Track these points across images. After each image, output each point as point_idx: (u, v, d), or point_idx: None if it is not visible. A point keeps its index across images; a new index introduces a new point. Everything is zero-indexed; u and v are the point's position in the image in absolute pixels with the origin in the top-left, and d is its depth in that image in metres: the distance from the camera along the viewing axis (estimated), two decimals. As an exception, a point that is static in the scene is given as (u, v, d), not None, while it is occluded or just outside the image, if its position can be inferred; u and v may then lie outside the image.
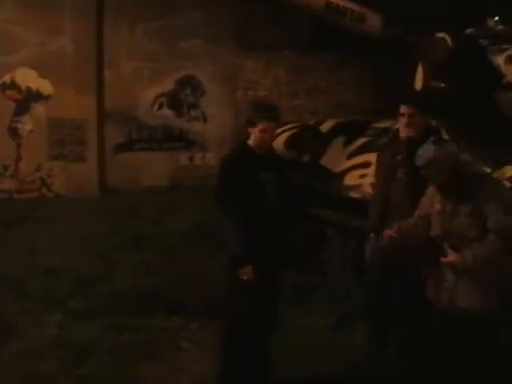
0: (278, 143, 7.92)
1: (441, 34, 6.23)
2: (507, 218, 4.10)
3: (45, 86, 11.60)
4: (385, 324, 5.49)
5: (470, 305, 4.20)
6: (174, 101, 12.79)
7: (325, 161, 7.28)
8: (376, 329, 5.51)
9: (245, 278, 4.60)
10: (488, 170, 5.65)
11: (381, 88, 12.15)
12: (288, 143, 7.72)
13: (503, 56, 6.16)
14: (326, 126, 8.05)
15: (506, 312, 4.39)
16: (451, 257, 4.19)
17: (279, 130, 8.05)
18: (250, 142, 4.80)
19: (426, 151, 4.21)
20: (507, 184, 5.37)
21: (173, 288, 6.87)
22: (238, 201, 4.66)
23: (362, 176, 6.61)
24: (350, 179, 6.90)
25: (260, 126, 4.69)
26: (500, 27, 7.00)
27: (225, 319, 4.92)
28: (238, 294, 4.75)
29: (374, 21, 5.95)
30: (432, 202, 4.41)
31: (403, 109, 5.10)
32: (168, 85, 12.77)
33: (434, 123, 5.47)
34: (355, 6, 5.98)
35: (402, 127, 5.14)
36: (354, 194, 6.69)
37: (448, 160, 4.19)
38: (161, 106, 12.75)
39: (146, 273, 7.46)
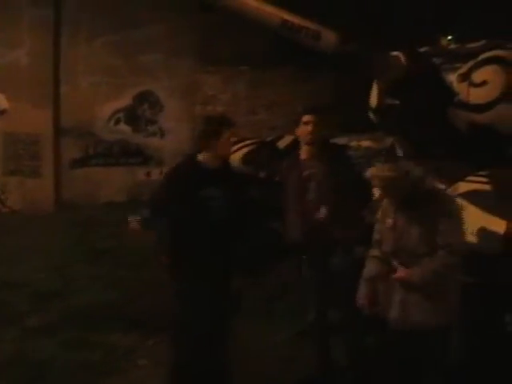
0: (236, 159, 7.97)
1: (395, 53, 6.34)
2: (457, 235, 4.20)
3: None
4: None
5: (421, 319, 4.26)
6: (131, 116, 12.75)
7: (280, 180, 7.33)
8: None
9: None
10: (441, 186, 5.77)
11: (341, 103, 12.27)
12: (245, 159, 7.77)
13: (455, 74, 6.28)
14: (283, 142, 8.11)
15: (455, 326, 4.48)
16: (401, 273, 4.25)
17: (236, 146, 8.12)
18: (201, 156, 4.83)
19: (379, 170, 4.28)
20: (460, 200, 5.49)
21: (131, 303, 6.84)
22: (169, 213, 4.75)
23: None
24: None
25: (222, 139, 4.74)
26: (453, 46, 7.14)
27: (172, 331, 4.94)
28: (183, 305, 4.79)
29: (329, 38, 6.04)
30: (384, 216, 4.47)
31: (307, 118, 5.18)
32: (126, 100, 12.72)
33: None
34: (310, 24, 6.06)
35: (304, 136, 5.21)
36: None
37: (401, 177, 4.26)
38: (118, 122, 12.70)
39: (104, 288, 7.42)
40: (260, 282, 6.89)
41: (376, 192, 6.17)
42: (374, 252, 4.56)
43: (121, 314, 6.56)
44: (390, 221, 4.40)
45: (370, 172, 4.33)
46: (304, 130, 5.22)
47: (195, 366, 4.79)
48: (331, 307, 5.31)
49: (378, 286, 4.49)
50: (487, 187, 5.52)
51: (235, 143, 8.20)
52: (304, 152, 5.30)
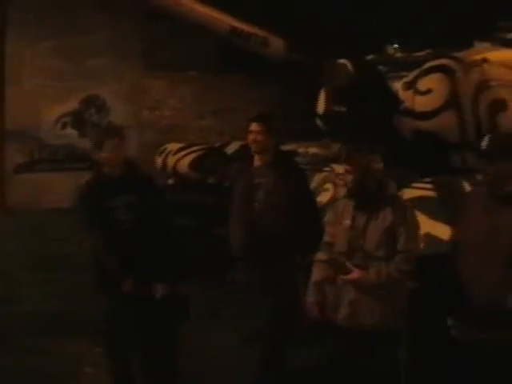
0: (183, 165, 7.96)
1: (342, 60, 6.41)
2: (413, 242, 4.29)
3: None
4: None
5: (369, 321, 4.32)
6: (78, 120, 12.64)
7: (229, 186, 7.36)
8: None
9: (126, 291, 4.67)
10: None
11: (289, 110, 12.36)
12: (193, 165, 7.76)
13: (401, 82, 6.38)
14: (231, 148, 8.13)
15: (404, 329, 4.55)
16: (356, 274, 4.30)
17: (184, 152, 8.11)
18: (103, 167, 4.90)
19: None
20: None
21: (79, 310, 6.75)
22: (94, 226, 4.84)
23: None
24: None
25: (107, 143, 4.80)
26: (399, 54, 7.26)
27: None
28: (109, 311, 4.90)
29: (277, 45, 6.08)
30: (340, 217, 4.52)
31: (253, 126, 5.25)
32: (72, 104, 12.61)
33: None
34: (259, 31, 6.10)
35: (251, 144, 5.28)
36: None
37: (374, 170, 4.34)
38: (64, 126, 12.57)
39: (51, 294, 7.33)
40: (208, 287, 6.89)
41: (324, 197, 6.26)
42: (322, 256, 4.59)
43: (67, 320, 6.48)
44: (347, 221, 4.42)
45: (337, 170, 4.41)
46: (251, 139, 5.27)
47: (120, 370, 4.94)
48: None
49: (325, 290, 4.53)
50: (432, 194, 5.62)
51: (182, 149, 8.20)
52: (255, 159, 5.35)
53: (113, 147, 4.78)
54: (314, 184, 6.50)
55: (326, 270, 4.52)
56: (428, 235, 5.19)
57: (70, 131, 12.58)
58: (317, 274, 4.58)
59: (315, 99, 7.31)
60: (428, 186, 5.73)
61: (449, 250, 4.49)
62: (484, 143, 4.23)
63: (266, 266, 5.18)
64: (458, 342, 4.37)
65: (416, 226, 4.43)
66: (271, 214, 5.15)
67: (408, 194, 5.74)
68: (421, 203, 5.49)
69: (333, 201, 5.62)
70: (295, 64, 6.36)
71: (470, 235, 4.32)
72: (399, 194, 4.60)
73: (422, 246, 4.77)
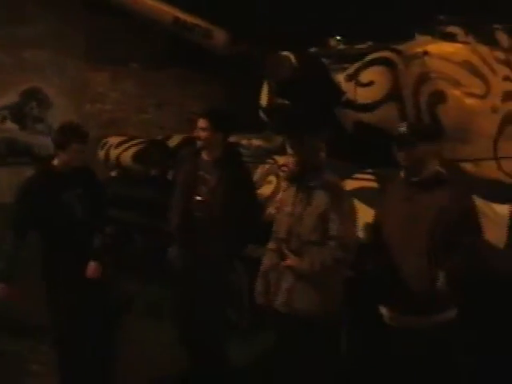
0: (126, 157, 7.90)
1: (285, 53, 6.42)
2: (347, 229, 4.33)
3: None
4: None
5: (305, 307, 4.41)
6: (18, 114, 12.40)
7: (171, 175, 7.32)
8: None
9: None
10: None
11: (231, 103, 12.35)
12: (135, 157, 7.71)
13: (343, 75, 6.41)
14: (173, 141, 8.10)
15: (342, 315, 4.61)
16: (291, 261, 4.36)
17: (126, 145, 8.05)
18: (56, 162, 4.92)
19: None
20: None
21: (23, 307, 6.64)
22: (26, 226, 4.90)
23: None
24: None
25: (74, 147, 4.84)
26: (341, 47, 7.29)
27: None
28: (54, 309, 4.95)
29: (220, 37, 6.06)
30: (282, 205, 4.57)
31: (200, 122, 5.27)
32: (12, 97, 12.37)
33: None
34: (202, 23, 6.07)
35: (198, 140, 5.32)
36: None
37: (315, 157, 4.47)
38: (4, 120, 12.33)
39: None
40: (150, 282, 6.85)
41: (267, 189, 6.29)
42: (270, 245, 4.66)
43: (12, 318, 6.36)
44: (288, 208, 4.53)
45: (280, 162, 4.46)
46: (197, 135, 5.28)
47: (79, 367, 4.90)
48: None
49: (270, 277, 4.61)
50: (373, 185, 5.68)
51: (124, 142, 8.13)
52: (203, 154, 5.35)
53: (79, 151, 4.85)
54: (257, 176, 6.52)
55: (272, 259, 4.57)
56: (368, 225, 5.25)
57: (11, 125, 12.35)
58: (264, 262, 4.64)
59: (258, 92, 7.31)
60: (369, 177, 5.81)
61: (372, 238, 4.59)
62: (400, 130, 4.32)
63: (198, 256, 5.23)
64: (390, 329, 4.47)
65: (351, 213, 4.50)
66: (209, 210, 5.18)
67: (350, 185, 5.81)
68: (362, 194, 5.57)
69: (276, 192, 5.66)
70: (238, 56, 6.34)
71: (389, 223, 4.42)
72: (336, 181, 4.66)
73: (361, 235, 4.84)
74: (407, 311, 4.35)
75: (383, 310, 4.56)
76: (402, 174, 4.46)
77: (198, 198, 5.20)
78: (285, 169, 4.71)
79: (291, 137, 4.57)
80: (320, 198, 4.39)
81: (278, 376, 4.68)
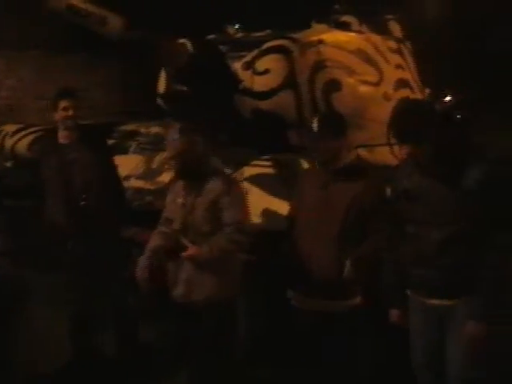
0: (22, 146, 7.71)
1: (182, 40, 6.41)
2: (241, 213, 4.39)
3: None
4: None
5: (206, 296, 4.43)
6: None
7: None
8: None
9: None
10: (228, 170, 5.95)
11: (133, 90, 12.24)
12: (31, 146, 7.54)
13: (241, 62, 6.45)
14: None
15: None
16: (190, 251, 4.37)
17: (23, 133, 7.85)
18: None
19: (173, 141, 4.37)
20: (246, 184, 5.70)
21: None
22: None
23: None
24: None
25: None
26: (239, 34, 7.32)
27: None
28: None
29: (115, 23, 5.96)
30: (175, 196, 4.58)
31: (65, 103, 5.34)
32: None
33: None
34: (97, 9, 5.97)
35: (64, 121, 5.38)
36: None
37: (194, 150, 4.38)
38: None
39: None
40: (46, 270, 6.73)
41: (166, 177, 6.27)
42: (161, 228, 4.66)
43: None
44: (180, 200, 4.53)
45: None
46: (63, 115, 5.31)
47: None
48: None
49: (162, 261, 4.59)
50: (271, 171, 5.76)
51: (20, 130, 7.94)
52: (63, 136, 5.39)
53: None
54: (155, 164, 6.49)
55: (162, 240, 4.57)
56: (267, 211, 5.33)
57: None
58: (152, 242, 4.61)
59: (156, 79, 7.28)
60: (267, 163, 5.88)
61: (287, 226, 4.65)
62: (315, 121, 4.39)
63: (90, 241, 5.26)
64: (298, 312, 4.56)
65: (242, 197, 4.58)
66: (88, 189, 5.24)
67: (248, 171, 5.87)
68: (260, 180, 5.64)
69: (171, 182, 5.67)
70: (134, 42, 6.28)
71: (304, 211, 4.49)
72: (224, 168, 4.73)
73: (260, 220, 4.90)
74: (315, 295, 4.45)
75: (291, 294, 4.63)
76: (316, 163, 4.52)
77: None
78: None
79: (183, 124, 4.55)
80: (210, 187, 4.43)
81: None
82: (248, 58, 6.41)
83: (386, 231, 4.25)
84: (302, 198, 4.57)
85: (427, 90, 7.39)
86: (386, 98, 6.43)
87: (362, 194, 4.31)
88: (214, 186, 4.41)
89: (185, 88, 6.53)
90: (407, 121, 3.85)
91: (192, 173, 4.46)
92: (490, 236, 3.76)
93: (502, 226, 3.74)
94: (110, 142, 7.01)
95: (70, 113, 5.28)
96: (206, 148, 4.51)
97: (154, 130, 7.08)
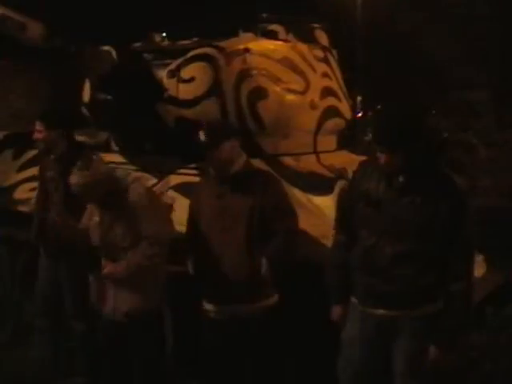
0: None
1: (106, 47, 6.32)
2: (158, 224, 4.36)
3: None
4: None
5: (131, 309, 4.46)
6: None
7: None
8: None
9: None
10: (153, 180, 5.90)
11: (56, 98, 12.00)
12: None
13: (165, 70, 6.37)
14: (-5, 137, 7.79)
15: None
16: (108, 268, 4.35)
17: None
18: None
19: (76, 177, 4.31)
20: (172, 192, 5.66)
21: None
22: None
23: (33, 189, 6.49)
24: (20, 193, 6.83)
25: None
26: (165, 43, 7.25)
27: None
28: None
29: (35, 30, 5.84)
30: (91, 215, 4.55)
31: (37, 125, 5.38)
32: None
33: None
34: (15, 15, 5.83)
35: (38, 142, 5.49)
36: (23, 208, 6.58)
37: (99, 180, 4.30)
38: None
39: None
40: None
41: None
42: None
43: None
44: (96, 218, 4.53)
45: (71, 181, 4.38)
46: (36, 137, 5.40)
47: None
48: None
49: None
50: (196, 179, 5.70)
51: None
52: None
53: None
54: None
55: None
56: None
57: None
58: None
59: (81, 87, 7.14)
60: (193, 171, 5.86)
61: (187, 239, 4.66)
62: (201, 131, 4.40)
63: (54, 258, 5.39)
64: (216, 323, 4.54)
65: (160, 209, 4.60)
66: (63, 205, 5.23)
67: (174, 180, 5.84)
68: (186, 189, 5.61)
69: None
70: (56, 50, 6.16)
71: (204, 221, 4.50)
72: (138, 182, 4.72)
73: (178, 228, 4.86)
74: (231, 301, 4.43)
75: (207, 306, 4.61)
76: (211, 171, 4.53)
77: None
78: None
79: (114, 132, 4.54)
80: (126, 202, 4.39)
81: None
82: (173, 66, 6.33)
83: (291, 229, 4.31)
84: (199, 209, 4.58)
85: (358, 98, 7.47)
86: (312, 106, 6.44)
87: (262, 196, 4.35)
88: (131, 199, 4.39)
89: (109, 97, 6.41)
90: (395, 130, 3.76)
91: (103, 198, 4.45)
92: (460, 260, 3.77)
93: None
94: (34, 152, 6.86)
95: (40, 135, 5.34)
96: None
97: (79, 138, 6.94)
